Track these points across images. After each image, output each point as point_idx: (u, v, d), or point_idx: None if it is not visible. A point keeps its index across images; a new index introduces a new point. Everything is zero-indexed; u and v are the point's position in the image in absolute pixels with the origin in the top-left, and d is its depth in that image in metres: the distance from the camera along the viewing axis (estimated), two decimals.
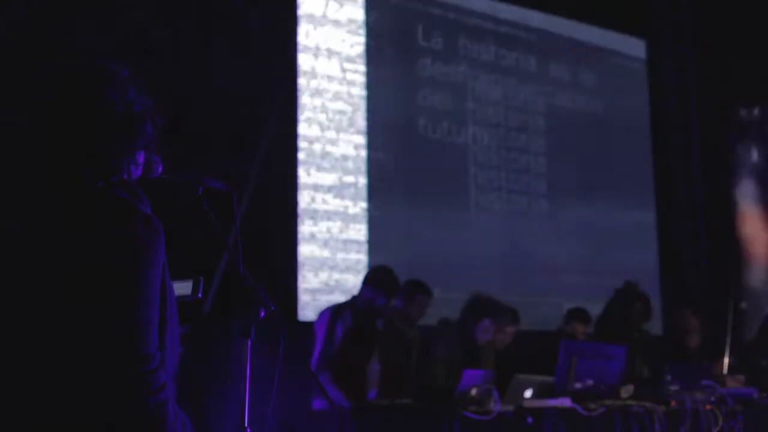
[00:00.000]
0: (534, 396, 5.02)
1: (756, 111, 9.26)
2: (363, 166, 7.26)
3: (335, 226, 7.03)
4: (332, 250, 6.98)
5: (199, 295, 2.21)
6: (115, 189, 1.78)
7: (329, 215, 7.01)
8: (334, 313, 5.47)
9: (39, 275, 1.71)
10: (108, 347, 1.67)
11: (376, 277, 5.56)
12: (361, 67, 7.39)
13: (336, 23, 7.30)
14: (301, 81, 7.03)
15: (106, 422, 1.68)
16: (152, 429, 1.68)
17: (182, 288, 2.22)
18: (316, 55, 7.14)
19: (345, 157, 7.17)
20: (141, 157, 1.89)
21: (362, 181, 7.25)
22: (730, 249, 9.41)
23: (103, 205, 1.74)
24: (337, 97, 7.20)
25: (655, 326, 7.49)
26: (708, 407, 5.17)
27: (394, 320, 5.77)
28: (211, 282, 5.64)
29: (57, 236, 1.71)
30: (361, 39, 7.43)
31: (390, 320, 5.70)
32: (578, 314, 6.76)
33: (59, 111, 1.77)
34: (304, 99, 7.03)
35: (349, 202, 7.15)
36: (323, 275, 6.88)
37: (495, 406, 4.73)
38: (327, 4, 7.29)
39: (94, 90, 1.79)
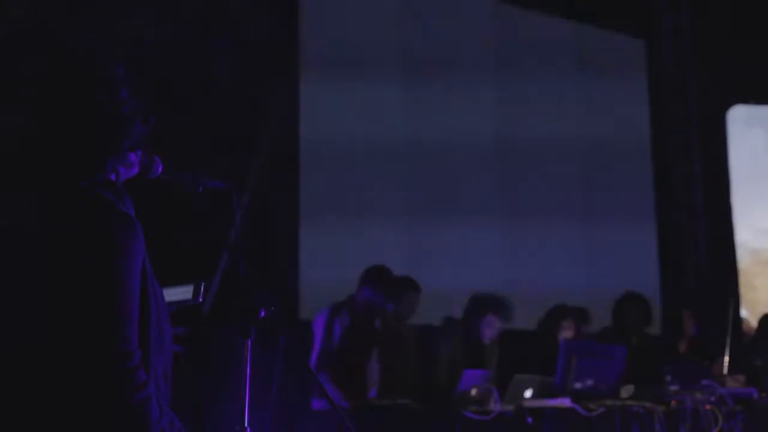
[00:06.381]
0: (534, 396, 5.03)
1: None
2: (363, 165, 7.25)
3: (336, 225, 7.01)
4: (333, 249, 6.96)
5: (200, 299, 2.21)
6: (98, 188, 1.78)
7: (330, 215, 7.00)
8: (331, 312, 5.48)
9: (15, 273, 1.71)
10: (84, 346, 1.67)
11: (373, 277, 5.56)
12: (363, 67, 7.38)
13: (337, 22, 7.29)
14: (302, 80, 7.02)
15: (87, 421, 1.67)
16: (136, 427, 1.68)
17: (183, 293, 2.22)
18: (316, 55, 7.13)
19: (345, 157, 7.16)
20: (131, 158, 1.89)
21: (362, 179, 7.23)
22: (730, 250, 9.40)
23: (82, 203, 1.74)
24: (337, 96, 7.18)
25: (653, 329, 7.47)
26: (708, 407, 5.18)
27: (389, 319, 5.77)
28: (211, 282, 5.64)
29: (34, 234, 1.72)
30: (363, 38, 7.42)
31: (385, 320, 5.70)
32: (563, 311, 6.67)
33: (47, 108, 1.77)
34: (305, 98, 7.02)
35: (349, 202, 7.14)
36: (324, 275, 6.87)
37: (495, 406, 4.74)
38: (328, 4, 7.28)
39: (83, 88, 1.78)
